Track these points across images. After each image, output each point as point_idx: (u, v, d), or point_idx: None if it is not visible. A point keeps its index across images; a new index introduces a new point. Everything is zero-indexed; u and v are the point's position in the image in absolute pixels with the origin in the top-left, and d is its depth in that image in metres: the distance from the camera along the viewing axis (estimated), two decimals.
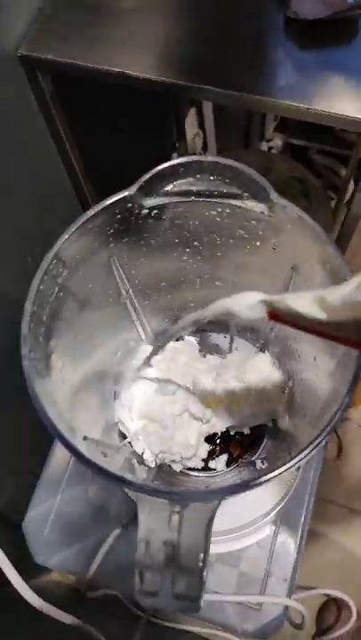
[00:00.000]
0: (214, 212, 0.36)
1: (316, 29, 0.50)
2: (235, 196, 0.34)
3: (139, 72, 0.50)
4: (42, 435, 0.28)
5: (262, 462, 0.41)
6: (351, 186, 0.92)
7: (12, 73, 0.52)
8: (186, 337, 0.49)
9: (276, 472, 0.27)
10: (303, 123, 1.06)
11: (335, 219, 0.91)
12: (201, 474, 0.45)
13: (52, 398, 0.30)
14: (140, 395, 0.44)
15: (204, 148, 0.86)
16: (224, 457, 0.46)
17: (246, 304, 0.27)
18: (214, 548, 0.47)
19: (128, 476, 0.28)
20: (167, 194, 0.34)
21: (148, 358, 0.43)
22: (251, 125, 1.02)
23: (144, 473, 0.41)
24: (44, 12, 0.53)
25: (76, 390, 0.36)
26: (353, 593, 0.67)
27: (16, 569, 0.42)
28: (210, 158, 0.33)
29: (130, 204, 0.33)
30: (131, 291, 0.41)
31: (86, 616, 0.46)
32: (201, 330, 0.50)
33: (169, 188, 0.33)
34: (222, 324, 0.49)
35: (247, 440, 0.46)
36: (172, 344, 0.47)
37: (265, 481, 0.27)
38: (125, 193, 0.32)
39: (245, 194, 0.33)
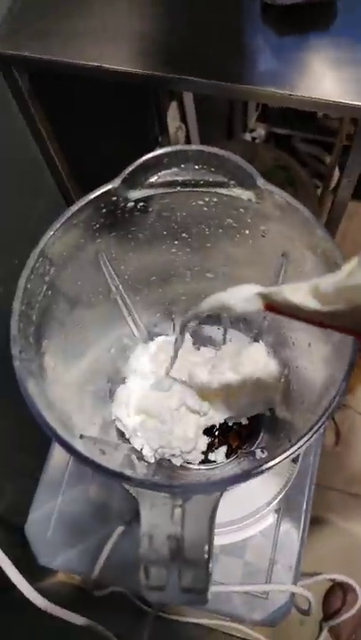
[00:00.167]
0: (201, 202, 0.35)
1: (294, 15, 0.50)
2: (221, 185, 0.33)
3: (116, 65, 0.50)
4: (41, 437, 0.28)
5: (262, 451, 0.41)
6: (336, 173, 0.92)
7: None
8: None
9: (276, 460, 0.27)
10: (286, 111, 1.06)
11: (322, 206, 0.91)
12: (201, 467, 0.45)
13: (45, 398, 0.30)
14: (137, 391, 0.43)
15: (187, 141, 0.85)
16: (223, 448, 0.45)
17: (243, 297, 0.27)
18: (218, 540, 0.47)
19: (127, 472, 0.27)
20: (152, 185, 0.33)
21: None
22: (233, 116, 1.02)
23: (144, 469, 0.41)
24: (14, 12, 0.52)
25: (70, 389, 0.36)
26: (358, 576, 0.68)
27: (21, 572, 0.42)
28: (194, 147, 0.32)
29: (115, 198, 0.33)
30: (121, 286, 0.41)
31: (94, 615, 0.46)
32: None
33: (154, 179, 0.33)
34: (215, 316, 0.49)
35: (246, 430, 0.46)
36: (164, 339, 0.47)
37: (265, 469, 0.27)
38: (109, 186, 0.32)
39: (232, 181, 0.33)
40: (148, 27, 0.51)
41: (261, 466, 0.26)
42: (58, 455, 0.54)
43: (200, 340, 0.49)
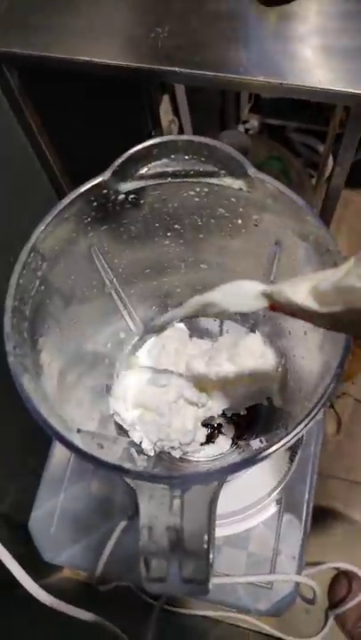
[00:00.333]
0: (193, 193, 0.35)
1: (282, 3, 0.49)
2: (212, 174, 0.33)
3: (106, 59, 0.49)
4: (42, 434, 0.28)
5: (261, 441, 0.41)
6: (330, 161, 0.91)
7: None
8: (175, 323, 0.49)
9: (274, 447, 0.27)
10: (278, 102, 1.05)
11: (317, 196, 0.91)
12: (201, 458, 0.45)
13: (42, 394, 0.30)
14: (134, 384, 0.43)
15: (181, 134, 0.85)
16: (223, 439, 0.45)
17: (242, 296, 0.26)
18: (221, 531, 0.47)
19: (125, 465, 0.27)
20: (143, 177, 0.33)
21: (135, 348, 0.43)
22: (226, 108, 1.01)
23: (144, 462, 0.41)
24: (2, 9, 0.52)
25: (66, 384, 0.36)
26: None
27: (26, 569, 0.42)
28: (184, 137, 0.32)
29: (105, 190, 0.33)
30: (115, 280, 0.40)
31: (100, 610, 0.46)
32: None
33: (144, 170, 0.33)
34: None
35: (244, 421, 0.46)
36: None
37: (263, 457, 0.27)
38: (100, 179, 0.32)
39: (222, 171, 0.33)
40: (136, 19, 0.51)
41: (258, 455, 0.26)
42: (59, 452, 0.54)
43: (197, 332, 0.49)
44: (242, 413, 0.45)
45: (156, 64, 0.49)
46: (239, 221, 0.36)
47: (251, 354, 0.43)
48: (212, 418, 0.44)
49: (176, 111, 0.83)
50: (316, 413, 0.27)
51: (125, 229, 0.37)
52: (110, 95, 0.65)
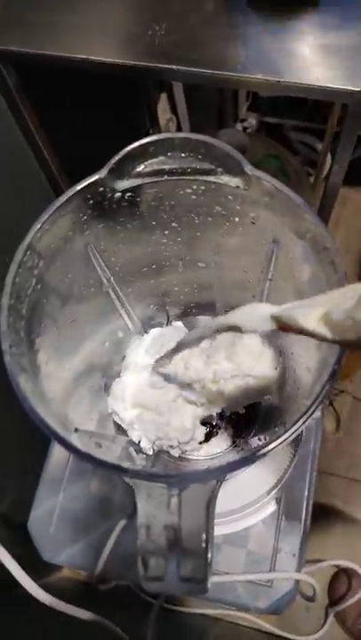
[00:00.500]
0: (189, 190, 0.35)
1: (280, 0, 0.49)
2: (208, 172, 0.33)
3: (103, 57, 0.49)
4: (41, 434, 0.28)
5: (259, 439, 0.41)
6: (328, 159, 0.91)
7: None
8: (173, 322, 0.49)
9: (272, 445, 0.27)
10: (276, 100, 1.05)
11: (315, 194, 0.90)
12: (200, 456, 0.45)
13: (39, 393, 0.30)
14: (132, 384, 0.43)
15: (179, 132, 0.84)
16: (221, 438, 0.45)
17: (257, 319, 0.27)
18: (220, 530, 0.47)
19: (123, 464, 0.27)
20: (139, 175, 0.33)
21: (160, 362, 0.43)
22: (224, 107, 1.01)
23: (143, 461, 0.41)
24: None
25: (64, 383, 0.35)
26: None
27: (25, 569, 0.42)
28: (180, 135, 0.32)
29: (102, 188, 0.33)
30: (112, 279, 0.40)
31: (99, 609, 0.46)
32: (187, 313, 0.49)
33: (140, 168, 0.33)
34: (209, 306, 0.49)
35: (243, 419, 0.46)
36: (159, 330, 0.47)
37: (261, 455, 0.27)
38: (96, 176, 0.32)
39: (219, 169, 0.33)
40: (134, 17, 0.51)
41: (256, 453, 0.26)
42: (58, 452, 0.54)
43: None
44: (240, 412, 0.45)
45: (154, 62, 0.49)
46: (236, 219, 0.36)
47: (249, 352, 0.43)
48: (210, 416, 0.44)
49: (174, 109, 0.83)
50: (313, 411, 0.27)
51: (122, 227, 0.37)
52: (108, 93, 0.65)
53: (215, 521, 0.28)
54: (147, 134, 0.77)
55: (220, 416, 0.45)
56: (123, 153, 0.31)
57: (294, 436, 0.26)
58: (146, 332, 0.48)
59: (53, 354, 0.34)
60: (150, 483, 0.27)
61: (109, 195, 0.33)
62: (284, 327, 0.26)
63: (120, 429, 0.43)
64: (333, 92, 0.47)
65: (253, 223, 0.36)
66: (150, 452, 0.42)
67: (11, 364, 0.28)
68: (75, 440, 0.29)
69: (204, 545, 0.27)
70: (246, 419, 0.46)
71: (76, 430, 0.31)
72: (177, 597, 0.64)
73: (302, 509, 0.49)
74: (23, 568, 0.42)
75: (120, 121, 0.72)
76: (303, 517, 0.49)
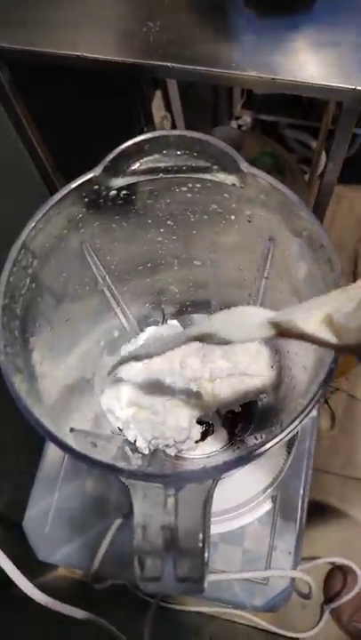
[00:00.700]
0: (185, 188, 0.35)
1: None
2: (204, 170, 0.33)
3: (96, 54, 0.49)
4: (36, 433, 0.28)
5: (256, 438, 0.41)
6: (323, 157, 0.91)
7: None
8: (169, 320, 0.49)
9: (269, 444, 0.27)
10: (271, 98, 1.05)
11: (310, 192, 0.90)
12: (196, 455, 0.44)
13: (34, 393, 0.30)
14: (127, 383, 0.43)
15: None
16: (218, 437, 0.45)
17: (249, 326, 0.25)
18: (216, 528, 0.47)
19: (118, 464, 0.27)
20: (134, 173, 0.33)
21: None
22: (218, 104, 1.01)
23: (139, 460, 0.41)
24: None
25: (59, 383, 0.35)
26: (357, 558, 0.68)
27: (20, 568, 0.42)
28: (175, 132, 0.32)
29: (97, 186, 0.32)
30: (107, 277, 0.40)
31: (95, 608, 0.46)
32: (183, 312, 0.49)
33: (135, 166, 0.32)
34: (204, 304, 0.48)
35: (239, 418, 0.46)
36: (155, 329, 0.47)
37: (258, 454, 0.27)
38: (91, 174, 0.31)
39: (215, 166, 0.32)
40: (128, 14, 0.50)
41: (252, 452, 0.26)
42: (53, 451, 0.54)
43: None
44: (237, 411, 0.44)
45: (148, 59, 0.48)
46: (232, 217, 0.36)
47: (246, 351, 0.43)
48: (206, 415, 0.44)
49: (168, 107, 0.82)
50: (310, 409, 0.27)
51: (117, 226, 0.37)
52: (103, 91, 0.64)
53: (211, 520, 0.28)
54: (141, 132, 0.76)
55: (217, 415, 0.45)
56: (117, 151, 0.31)
57: (291, 435, 0.26)
58: (141, 330, 0.47)
59: (48, 353, 0.34)
60: (146, 483, 0.27)
61: (104, 193, 0.33)
62: (283, 333, 0.24)
63: (115, 429, 0.43)
64: (328, 90, 0.47)
65: (249, 221, 0.36)
66: (146, 452, 0.42)
67: (5, 363, 0.27)
68: (70, 440, 0.29)
69: (200, 544, 0.27)
70: (243, 417, 0.46)
71: (72, 430, 0.31)
72: (173, 596, 0.64)
73: (298, 507, 0.50)
74: (18, 567, 0.42)
75: (115, 119, 0.71)
76: (299, 515, 0.49)
